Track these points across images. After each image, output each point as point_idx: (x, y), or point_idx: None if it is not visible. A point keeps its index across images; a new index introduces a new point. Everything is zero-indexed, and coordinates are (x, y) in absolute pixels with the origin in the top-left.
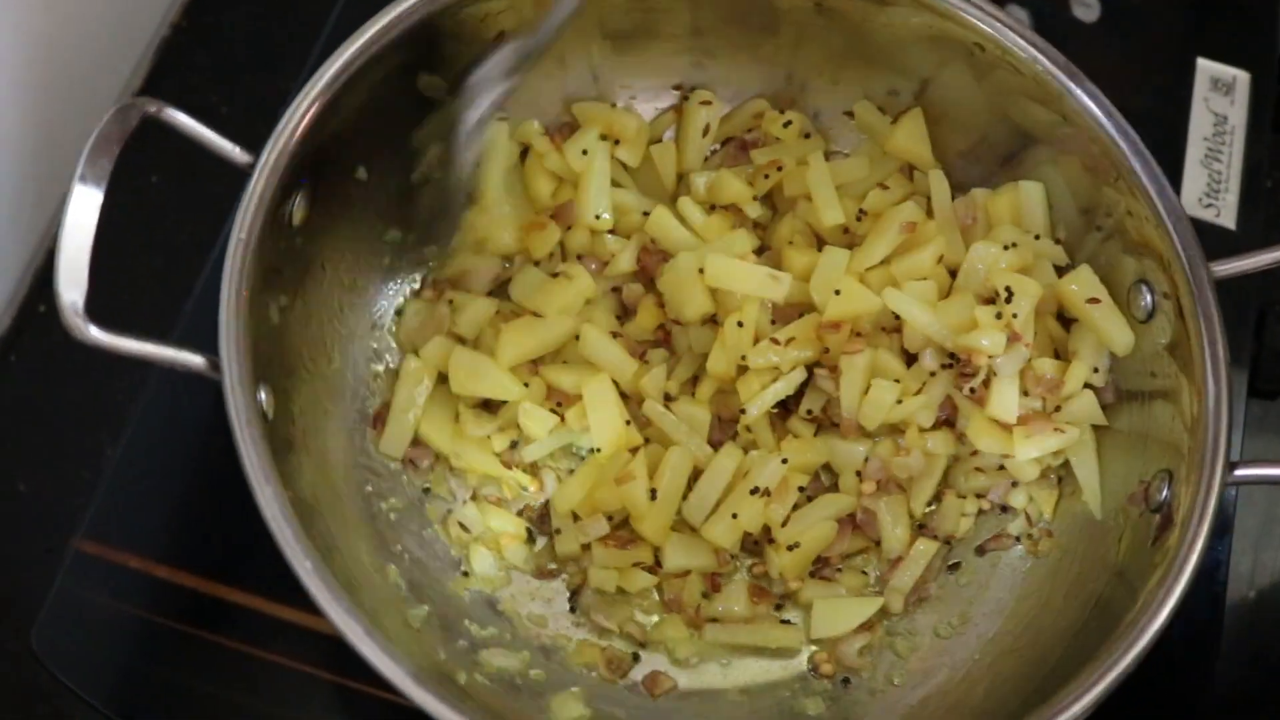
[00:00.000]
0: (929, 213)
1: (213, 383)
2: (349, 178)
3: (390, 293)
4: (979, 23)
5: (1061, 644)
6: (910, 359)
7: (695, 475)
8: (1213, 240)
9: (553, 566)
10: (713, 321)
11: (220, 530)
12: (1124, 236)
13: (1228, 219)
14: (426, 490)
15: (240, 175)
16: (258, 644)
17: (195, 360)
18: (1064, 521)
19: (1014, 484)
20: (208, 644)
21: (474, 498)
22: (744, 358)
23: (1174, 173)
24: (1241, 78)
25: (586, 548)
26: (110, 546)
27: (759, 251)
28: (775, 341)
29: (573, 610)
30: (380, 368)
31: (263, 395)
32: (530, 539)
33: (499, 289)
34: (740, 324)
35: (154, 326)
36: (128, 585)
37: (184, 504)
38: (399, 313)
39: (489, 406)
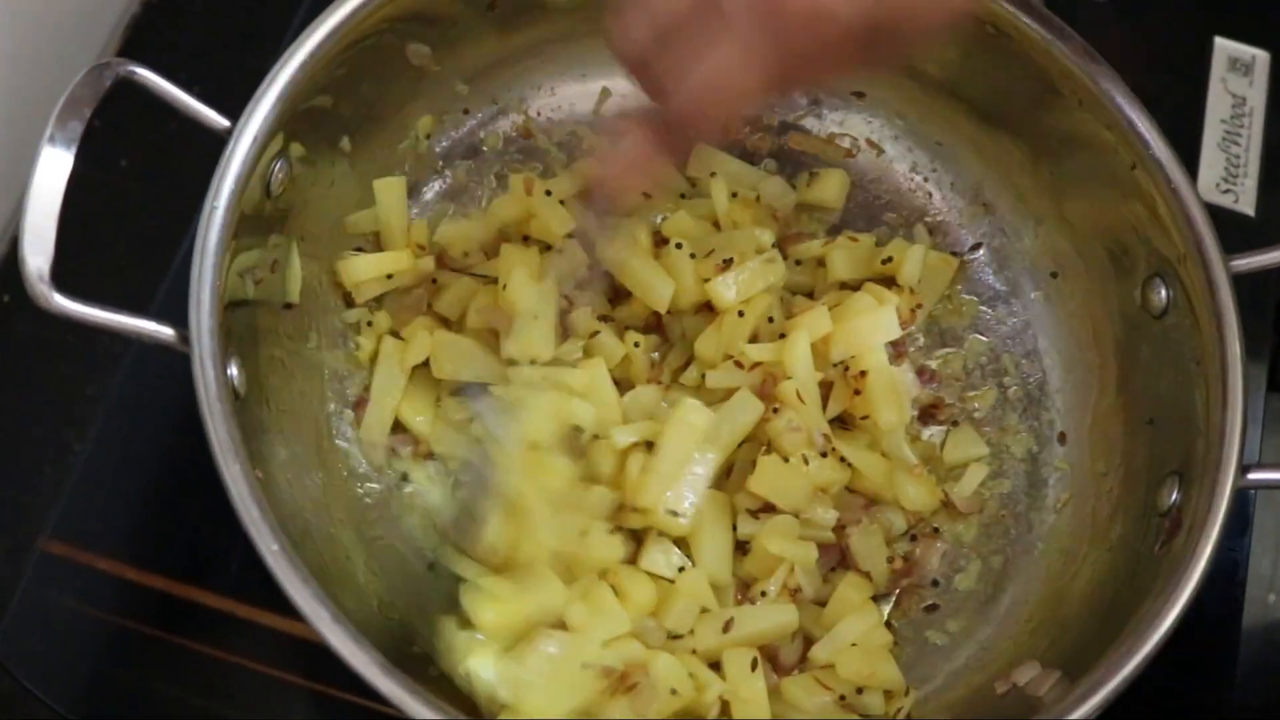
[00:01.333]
0: None
1: (185, 378)
2: (333, 147)
3: None
4: (990, 1)
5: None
6: None
7: None
8: (1231, 228)
9: None
10: (707, 309)
11: (191, 531)
12: (1138, 228)
13: (1246, 205)
14: (404, 477)
15: (219, 143)
16: (230, 648)
17: (165, 332)
18: (1067, 522)
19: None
20: (178, 648)
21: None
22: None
23: (1190, 157)
24: (1261, 57)
25: None
26: (77, 547)
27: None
28: (739, 365)
29: None
30: (359, 348)
31: (234, 370)
32: None
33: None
34: (741, 314)
35: (129, 303)
36: (95, 587)
37: (153, 504)
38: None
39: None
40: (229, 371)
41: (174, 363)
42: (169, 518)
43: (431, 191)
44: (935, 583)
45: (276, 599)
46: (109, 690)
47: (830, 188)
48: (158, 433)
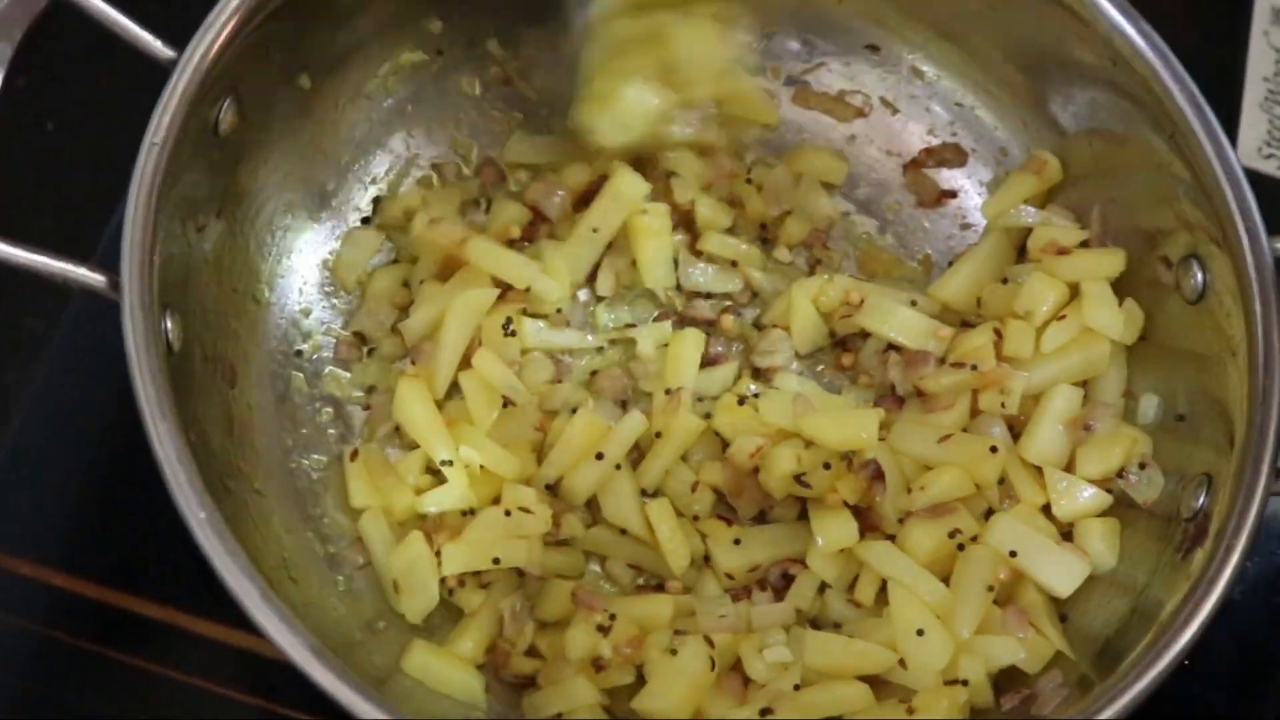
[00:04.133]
0: None
1: (119, 361)
2: (290, 84)
3: (331, 219)
4: None
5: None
6: None
7: None
8: (1272, 196)
9: None
10: None
11: (126, 532)
12: (1173, 204)
13: None
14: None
15: (165, 80)
16: (171, 663)
17: (94, 278)
18: None
19: None
20: (112, 662)
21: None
22: None
23: (1229, 120)
24: None
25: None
26: None
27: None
28: None
29: None
30: (313, 305)
31: (169, 324)
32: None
33: None
34: None
35: (73, 250)
36: (20, 596)
37: (84, 502)
38: (339, 244)
39: None
40: (164, 324)
41: (107, 346)
42: (101, 517)
43: (399, 145)
44: None
45: (221, 607)
46: (37, 708)
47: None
48: (88, 425)
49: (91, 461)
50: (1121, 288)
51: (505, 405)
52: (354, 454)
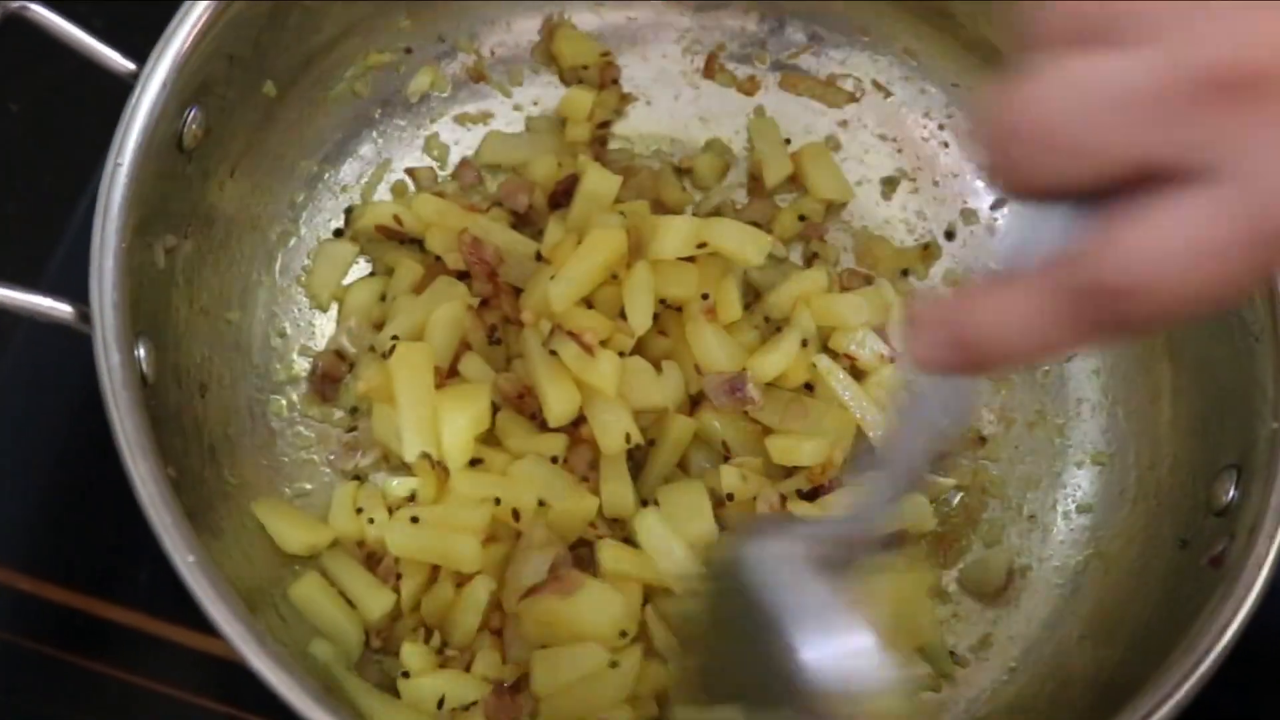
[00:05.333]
0: None
1: (83, 356)
2: (254, 93)
3: (302, 234)
4: None
5: (1089, 691)
6: None
7: None
8: None
9: None
10: None
11: (94, 536)
12: None
13: None
14: (358, 479)
15: (123, 93)
16: (139, 669)
17: (61, 309)
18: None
19: None
20: (80, 669)
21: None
22: None
23: None
24: None
25: None
26: None
27: None
28: None
29: None
30: (288, 324)
31: (142, 352)
32: None
33: None
34: None
35: (18, 275)
36: None
37: (50, 504)
38: (311, 258)
39: None
40: (136, 353)
41: (74, 341)
42: (68, 520)
43: (366, 146)
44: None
45: (192, 613)
46: (1, 718)
47: None
48: (54, 422)
49: (57, 463)
50: None
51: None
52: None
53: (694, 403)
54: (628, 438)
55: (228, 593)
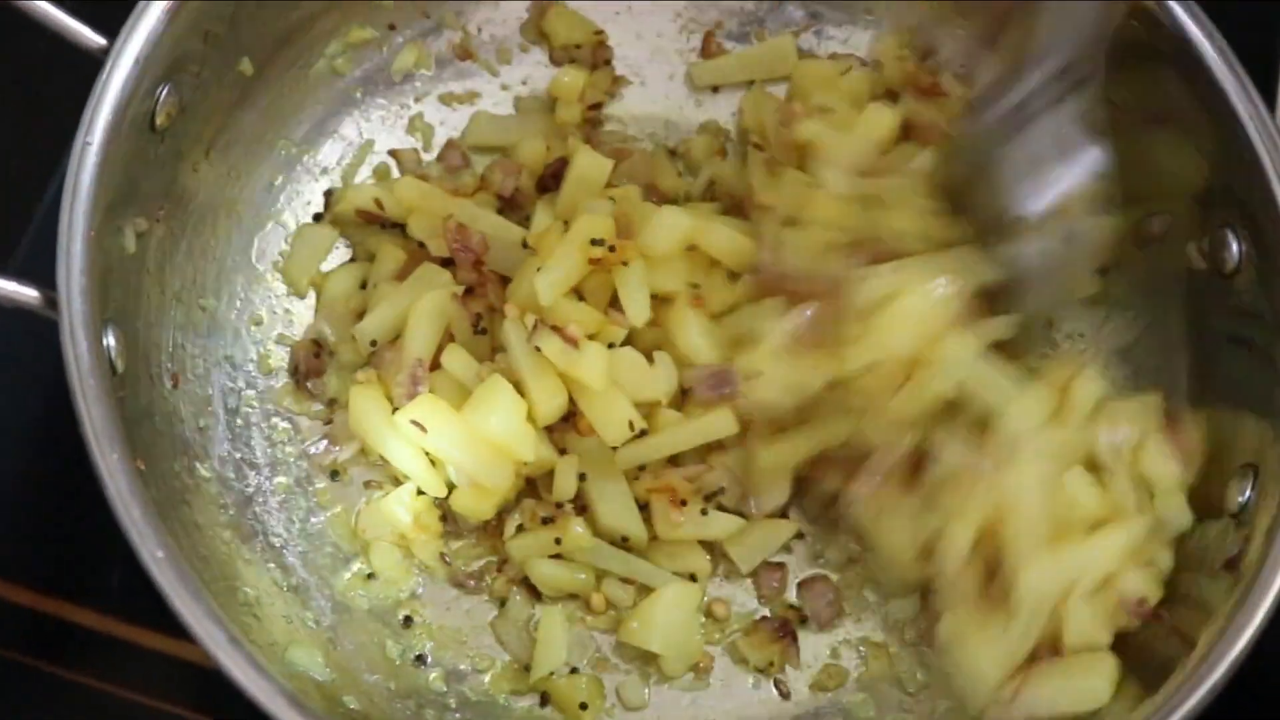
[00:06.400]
0: None
1: (52, 346)
2: (230, 71)
3: (279, 216)
4: None
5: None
6: None
7: None
8: None
9: (472, 569)
10: None
11: (62, 536)
12: (1203, 166)
13: None
14: (335, 475)
15: (94, 70)
16: (109, 675)
17: (26, 294)
18: None
19: None
20: (47, 676)
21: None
22: None
23: (1267, 83)
24: None
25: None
26: None
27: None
28: None
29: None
30: (265, 311)
31: (111, 340)
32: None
33: None
34: None
35: None
36: None
37: (16, 503)
38: (289, 243)
39: None
40: (105, 341)
41: (39, 328)
42: (35, 520)
43: (351, 131)
44: None
45: (165, 617)
46: None
47: None
48: (19, 416)
49: (23, 459)
50: (1151, 261)
51: None
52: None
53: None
54: (630, 425)
55: (198, 591)
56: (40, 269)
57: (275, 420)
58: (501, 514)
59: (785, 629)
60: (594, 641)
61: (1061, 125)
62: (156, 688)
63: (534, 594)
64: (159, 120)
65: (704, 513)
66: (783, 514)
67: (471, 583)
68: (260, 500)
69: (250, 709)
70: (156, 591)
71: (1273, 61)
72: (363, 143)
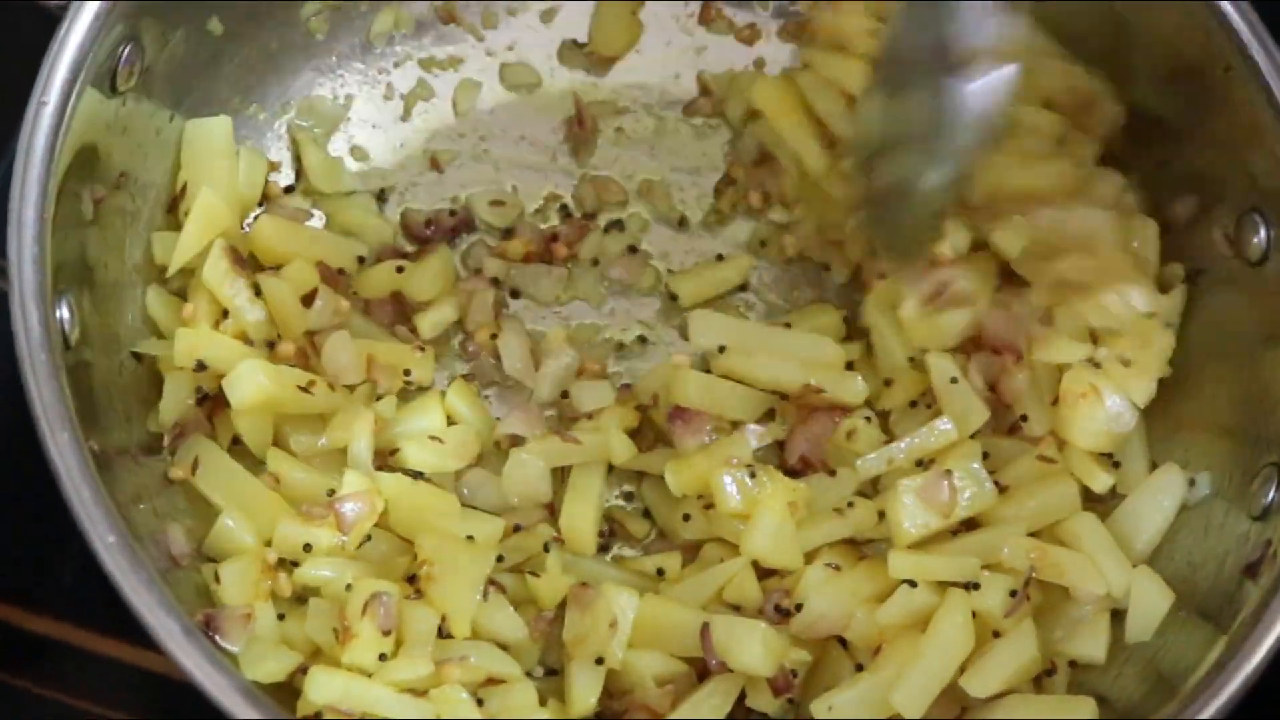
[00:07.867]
0: None
1: (4, 330)
2: (197, 30)
3: None
4: None
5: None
6: None
7: None
8: None
9: None
10: None
11: (11, 537)
12: (1232, 151)
13: None
14: None
15: (52, 27)
16: (61, 685)
17: None
18: None
19: None
20: (4, 688)
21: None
22: None
23: None
24: None
25: None
26: None
27: None
28: None
29: None
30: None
31: (65, 312)
32: None
33: None
34: None
35: None
36: None
37: None
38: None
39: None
40: (58, 314)
41: None
42: None
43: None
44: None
45: (121, 622)
46: None
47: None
48: None
49: None
50: (1171, 248)
51: None
52: None
53: None
54: None
55: (151, 580)
56: None
57: None
58: None
59: None
60: None
61: None
62: (109, 696)
63: None
64: (120, 81)
65: None
66: None
67: None
68: None
69: (205, 712)
70: (110, 588)
71: None
72: (338, 109)
